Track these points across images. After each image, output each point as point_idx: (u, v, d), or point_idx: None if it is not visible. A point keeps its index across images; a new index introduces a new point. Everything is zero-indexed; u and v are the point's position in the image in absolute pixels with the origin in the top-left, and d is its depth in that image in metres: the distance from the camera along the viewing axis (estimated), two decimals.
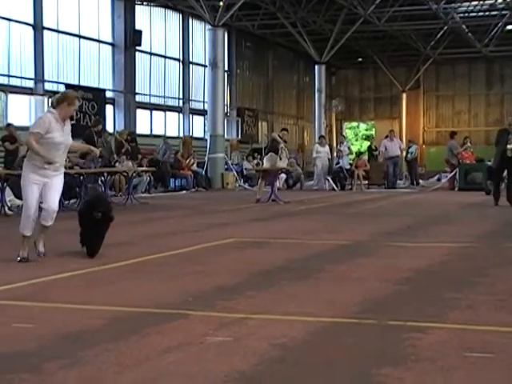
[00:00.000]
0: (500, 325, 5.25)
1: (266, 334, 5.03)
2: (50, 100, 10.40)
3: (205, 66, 30.77)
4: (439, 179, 31.58)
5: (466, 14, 35.90)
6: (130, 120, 28.14)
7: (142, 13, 29.44)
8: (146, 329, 5.14)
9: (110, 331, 5.11)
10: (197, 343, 4.76)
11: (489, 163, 23.77)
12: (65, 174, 16.79)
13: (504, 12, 34.64)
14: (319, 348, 4.70)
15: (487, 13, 35.74)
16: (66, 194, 18.10)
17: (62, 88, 24.85)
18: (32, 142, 8.57)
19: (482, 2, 34.34)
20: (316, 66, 37.18)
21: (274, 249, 9.86)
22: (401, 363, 4.28)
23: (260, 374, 4.13)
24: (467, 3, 34.59)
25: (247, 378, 4.05)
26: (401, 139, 43.64)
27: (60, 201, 17.23)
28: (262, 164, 22.53)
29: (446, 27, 37.06)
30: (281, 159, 20.01)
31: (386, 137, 29.73)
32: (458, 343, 4.77)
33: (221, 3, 27.00)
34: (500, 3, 33.86)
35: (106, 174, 19.12)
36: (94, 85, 26.90)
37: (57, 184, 8.84)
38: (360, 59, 45.52)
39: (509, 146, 17.50)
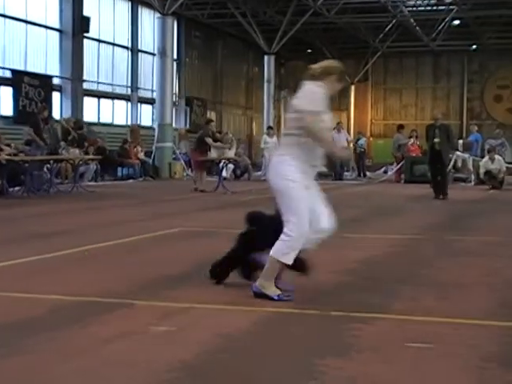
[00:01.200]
0: (441, 315, 5.32)
1: (210, 323, 5.02)
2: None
3: (154, 54, 30.51)
4: (386, 171, 31.83)
5: (415, 8, 36.25)
6: (78, 107, 27.81)
7: None
8: (90, 318, 5.10)
9: (53, 320, 5.06)
10: (140, 332, 4.74)
11: None
12: (9, 161, 16.74)
13: (451, 7, 35.03)
14: (263, 338, 4.71)
15: (435, 7, 36.16)
16: (11, 181, 17.92)
17: (7, 74, 24.51)
18: (320, 128, 5.87)
19: None
20: (265, 57, 37.21)
21: (220, 239, 9.82)
22: (343, 353, 4.32)
23: (203, 363, 4.13)
24: None
25: (189, 367, 4.05)
26: (349, 131, 44.06)
27: (4, 188, 17.14)
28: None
29: (394, 21, 37.34)
30: (229, 149, 20.01)
31: (334, 129, 29.86)
32: (400, 334, 4.82)
33: None
34: None
35: (51, 162, 18.89)
36: (41, 71, 26.52)
37: (320, 194, 6.39)
38: (309, 51, 45.60)
39: (436, 140, 17.89)
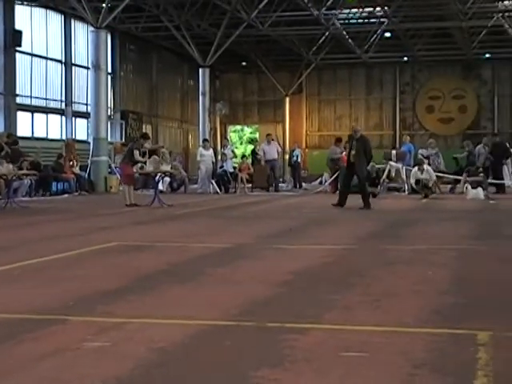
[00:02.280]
0: (375, 324, 5.37)
1: (144, 337, 4.99)
2: None
3: (88, 68, 30.33)
4: (321, 182, 32.11)
5: (347, 21, 36.67)
6: (11, 122, 27.43)
7: (22, 13, 28.71)
8: (22, 335, 5.01)
9: None
10: (73, 349, 4.68)
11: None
12: None
13: (382, 20, 35.53)
14: (198, 351, 4.69)
15: (366, 20, 36.62)
16: None
17: None
18: None
19: (361, 10, 35.15)
20: (200, 70, 37.19)
21: (156, 252, 9.81)
22: (278, 364, 4.33)
23: (137, 378, 4.10)
24: (347, 10, 35.32)
25: (123, 383, 4.01)
26: (284, 143, 44.34)
27: None
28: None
29: (327, 33, 37.73)
30: (162, 164, 19.93)
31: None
32: (335, 343, 4.85)
33: (103, 5, 26.70)
34: (378, 11, 34.73)
35: None
36: None
37: None
38: (244, 63, 45.79)
39: (352, 152, 18.18)
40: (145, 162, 20.02)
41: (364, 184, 18.61)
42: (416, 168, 23.59)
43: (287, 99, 45.58)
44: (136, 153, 19.38)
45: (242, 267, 8.39)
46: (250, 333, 5.18)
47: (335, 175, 26.94)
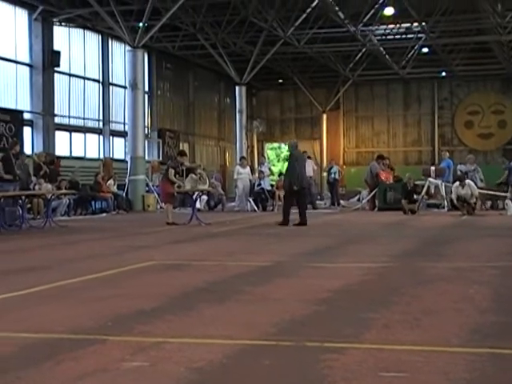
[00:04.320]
0: (415, 344, 5.32)
1: (183, 357, 5.00)
2: None
3: (125, 87, 30.63)
4: (359, 199, 31.98)
5: (384, 37, 36.62)
6: (49, 142, 27.78)
7: (60, 33, 29.14)
8: (61, 355, 5.05)
9: (22, 358, 5.00)
10: (112, 369, 4.71)
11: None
12: None
13: (420, 35, 35.43)
14: (236, 371, 4.69)
15: (404, 36, 36.53)
16: None
17: None
18: None
19: (398, 26, 35.08)
20: (237, 87, 37.39)
21: (194, 271, 9.83)
22: None
23: None
24: (384, 26, 35.28)
25: None
26: (322, 160, 44.33)
27: None
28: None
29: (364, 49, 37.73)
30: (200, 183, 20.00)
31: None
32: (374, 363, 4.82)
33: (140, 24, 26.96)
34: (416, 27, 34.64)
35: (23, 197, 18.78)
36: (12, 106, 26.49)
37: None
38: (280, 80, 45.94)
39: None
40: (186, 174, 20.04)
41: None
42: (457, 183, 23.36)
43: (324, 116, 45.61)
44: (171, 172, 19.41)
45: (280, 285, 8.37)
46: (288, 352, 5.17)
47: (373, 192, 26.82)
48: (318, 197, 33.83)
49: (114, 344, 5.43)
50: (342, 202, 31.79)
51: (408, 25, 34.91)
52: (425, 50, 38.62)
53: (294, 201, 18.94)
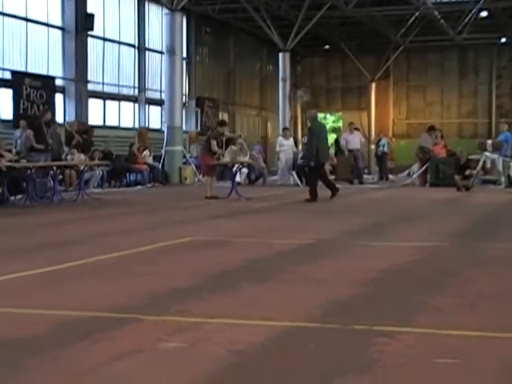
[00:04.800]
0: (470, 329, 5.30)
1: (223, 339, 5.02)
2: None
3: (162, 52, 30.64)
4: (409, 174, 31.79)
5: (439, 0, 36.15)
6: (82, 110, 27.92)
7: None
8: (96, 334, 5.11)
9: (56, 337, 5.07)
10: (149, 349, 4.75)
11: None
12: (11, 168, 16.81)
13: None
14: (279, 354, 4.70)
15: None
16: (12, 188, 18.00)
17: (7, 75, 24.63)
18: None
19: None
20: (280, 54, 37.25)
21: (233, 248, 9.87)
22: (367, 371, 4.30)
23: (215, 382, 4.13)
24: None
25: None
26: (369, 132, 44.09)
27: (5, 196, 17.23)
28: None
29: (417, 13, 37.28)
30: (240, 155, 20.01)
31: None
32: (427, 348, 4.80)
33: None
34: None
35: (55, 168, 18.94)
36: (43, 72, 26.64)
37: None
38: (326, 47, 45.66)
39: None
40: (226, 146, 20.09)
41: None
42: None
43: (373, 85, 45.31)
44: (213, 143, 19.47)
45: (325, 265, 8.37)
46: (335, 335, 5.17)
47: (424, 167, 26.63)
48: (366, 171, 33.68)
49: (151, 323, 5.48)
50: (390, 176, 31.63)
51: None
52: (483, 13, 38.05)
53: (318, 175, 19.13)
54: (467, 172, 23.87)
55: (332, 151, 30.98)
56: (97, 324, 5.44)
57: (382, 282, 7.28)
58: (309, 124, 19.50)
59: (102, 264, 8.42)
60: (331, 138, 52.79)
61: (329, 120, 56.57)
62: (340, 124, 50.75)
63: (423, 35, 41.07)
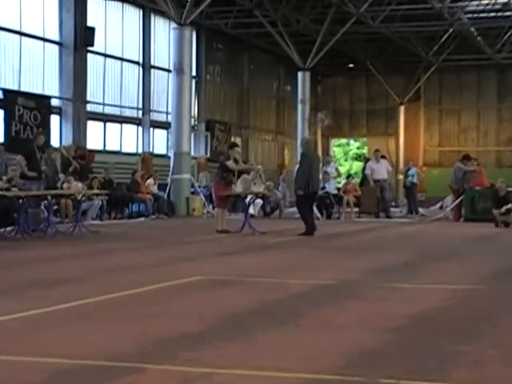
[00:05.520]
0: None
1: None
2: None
3: (169, 71, 30.82)
4: (442, 207, 31.76)
5: (476, 15, 36.24)
6: (80, 133, 28.08)
7: (95, 7, 29.43)
8: None
9: None
10: None
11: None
12: (1, 196, 16.88)
13: None
14: None
15: (500, 13, 36.08)
16: (2, 219, 18.06)
17: None
18: None
19: (493, 1, 34.69)
20: (299, 73, 37.38)
21: (246, 289, 9.86)
22: None
23: None
24: (476, 2, 34.93)
25: None
26: (398, 160, 44.11)
27: None
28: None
29: (451, 29, 37.42)
30: (255, 184, 20.07)
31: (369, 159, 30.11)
32: None
33: None
34: None
35: (50, 197, 19.01)
36: (38, 91, 26.84)
37: None
38: (351, 65, 45.83)
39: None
40: (238, 175, 20.14)
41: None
42: None
43: (402, 108, 45.40)
44: (230, 163, 19.38)
45: (347, 309, 8.36)
46: None
47: (459, 199, 26.58)
48: (393, 203, 33.67)
49: (156, 373, 5.48)
50: (420, 209, 31.60)
51: (505, 0, 34.48)
52: None
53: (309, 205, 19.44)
54: (507, 206, 23.79)
55: (355, 181, 31.03)
56: (96, 374, 5.44)
57: (411, 329, 7.26)
58: (301, 150, 19.68)
59: (102, 305, 8.43)
60: (355, 165, 53.05)
61: (352, 146, 56.69)
62: (365, 151, 50.80)
63: (458, 54, 41.21)
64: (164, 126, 32.82)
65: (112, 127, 30.63)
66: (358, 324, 7.42)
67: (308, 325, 7.42)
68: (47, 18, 27.53)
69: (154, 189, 27.17)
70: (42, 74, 27.37)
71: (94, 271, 11.45)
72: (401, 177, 38.46)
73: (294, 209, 28.79)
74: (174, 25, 27.84)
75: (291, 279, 10.76)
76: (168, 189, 27.66)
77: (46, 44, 27.58)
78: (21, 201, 17.52)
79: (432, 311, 8.22)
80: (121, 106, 31.08)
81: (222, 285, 10.18)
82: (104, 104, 30.12)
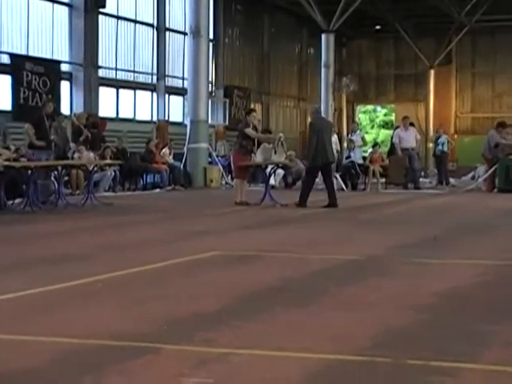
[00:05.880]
0: None
1: (254, 374, 5.02)
2: None
3: (185, 33, 30.75)
4: (474, 177, 31.66)
5: None
6: (92, 100, 28.09)
7: None
8: (106, 367, 5.11)
9: (59, 370, 5.08)
10: None
11: None
12: (9, 167, 16.93)
13: None
14: None
15: None
16: (10, 192, 18.10)
17: (5, 59, 24.80)
18: None
19: None
20: (323, 36, 37.21)
21: (266, 265, 9.86)
22: None
23: None
24: None
25: None
26: (427, 127, 43.94)
27: (1, 201, 17.34)
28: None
29: None
30: (276, 153, 20.04)
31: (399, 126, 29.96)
32: None
33: None
34: None
35: (60, 168, 19.05)
36: (47, 56, 26.85)
37: None
38: (378, 27, 45.57)
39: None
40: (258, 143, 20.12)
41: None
42: None
43: (432, 72, 45.15)
44: (249, 130, 19.34)
45: (374, 286, 8.34)
46: (386, 371, 5.14)
47: (493, 169, 26.47)
48: (422, 174, 33.58)
49: (170, 354, 5.48)
50: (451, 180, 31.52)
51: None
52: None
53: (315, 178, 19.67)
54: None
55: (382, 149, 30.94)
56: (106, 355, 5.44)
57: (441, 308, 7.24)
58: (309, 119, 19.63)
59: (113, 283, 8.44)
60: (382, 133, 52.90)
61: (379, 113, 56.49)
62: (392, 118, 50.65)
63: (492, 13, 40.85)
64: (180, 92, 32.78)
65: (125, 94, 30.62)
66: (385, 302, 7.40)
67: (331, 303, 7.41)
68: None
69: (170, 159, 27.18)
70: (51, 37, 27.36)
71: (105, 247, 11.47)
72: (431, 145, 38.28)
73: (318, 179, 28.84)
74: None
75: (314, 254, 10.75)
76: (184, 159, 27.64)
77: (55, 5, 27.56)
78: (29, 172, 17.55)
79: (463, 288, 8.20)
80: (134, 72, 31.07)
81: (239, 261, 10.18)
82: (116, 69, 30.11)
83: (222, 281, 8.62)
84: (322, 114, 36.71)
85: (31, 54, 26.17)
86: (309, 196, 19.05)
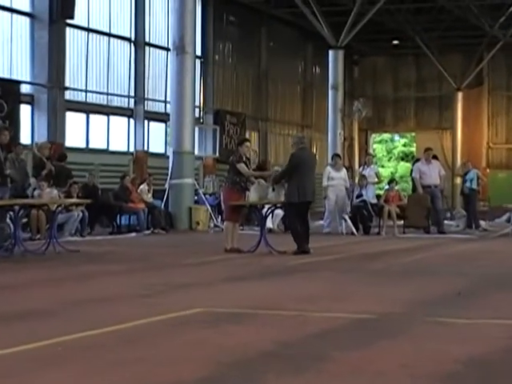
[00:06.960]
0: None
1: None
2: None
3: (167, 49, 30.89)
4: (509, 220, 31.68)
5: None
6: (57, 127, 28.16)
7: None
8: None
9: None
10: None
11: None
12: None
13: None
14: None
15: None
16: None
17: None
18: None
19: None
20: (330, 52, 37.37)
21: (258, 325, 9.86)
22: None
23: None
24: None
25: None
26: (454, 160, 44.02)
27: None
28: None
29: None
30: (274, 190, 20.06)
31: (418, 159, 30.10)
32: None
33: None
34: None
35: (17, 208, 19.05)
36: (4, 75, 26.93)
37: None
38: (395, 42, 45.80)
39: None
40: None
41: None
42: None
43: (460, 95, 45.35)
44: (242, 166, 19.42)
45: (384, 350, 8.34)
46: None
47: None
48: (448, 215, 33.59)
49: None
50: (482, 223, 31.54)
51: None
52: None
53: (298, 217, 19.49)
54: None
55: (399, 187, 30.99)
56: None
57: (466, 377, 7.24)
58: (291, 150, 19.84)
59: (78, 345, 8.43)
60: (401, 167, 53.01)
61: (398, 143, 56.60)
62: (413, 149, 50.78)
63: None
64: (161, 118, 32.90)
65: (97, 120, 30.71)
66: (399, 371, 7.40)
67: (334, 371, 7.41)
68: None
69: (149, 197, 27.21)
70: (9, 53, 27.46)
71: (71, 302, 11.46)
72: (458, 182, 38.34)
73: (323, 222, 28.85)
74: None
75: (315, 312, 10.74)
76: (166, 197, 27.69)
77: (14, 16, 27.68)
78: None
79: (492, 354, 8.20)
80: (108, 94, 31.18)
81: (227, 319, 10.18)
82: (87, 91, 30.22)
83: (207, 343, 8.62)
84: (329, 145, 37.09)
85: None
86: (307, 238, 19.05)
